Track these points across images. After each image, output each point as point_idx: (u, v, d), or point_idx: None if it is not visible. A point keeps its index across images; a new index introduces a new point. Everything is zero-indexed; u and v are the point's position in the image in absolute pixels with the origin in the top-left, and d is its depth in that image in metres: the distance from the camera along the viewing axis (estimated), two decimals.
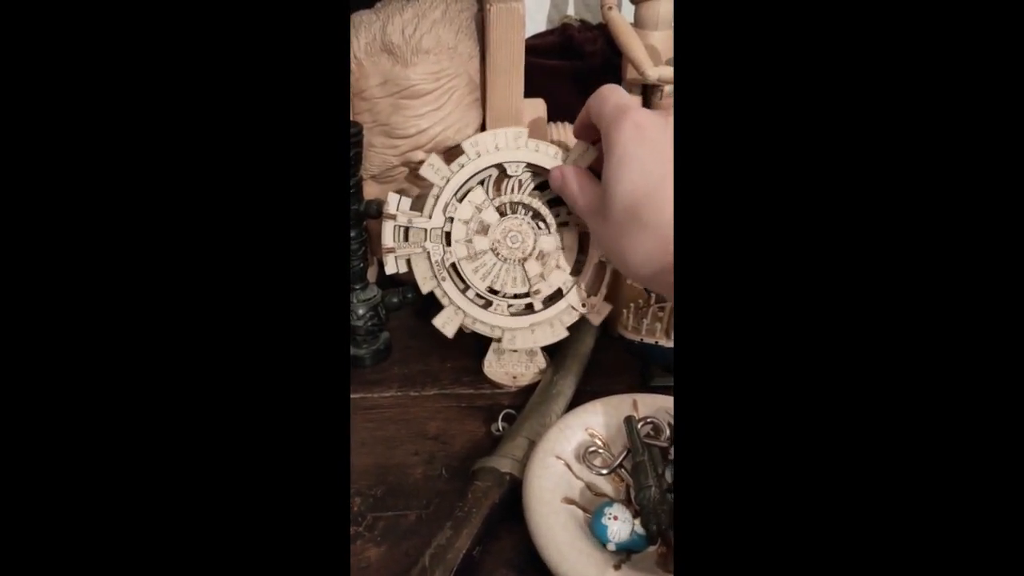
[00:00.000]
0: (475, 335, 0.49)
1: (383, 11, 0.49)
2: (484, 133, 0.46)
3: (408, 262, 0.48)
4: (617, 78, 0.53)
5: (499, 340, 0.49)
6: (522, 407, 0.47)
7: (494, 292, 0.48)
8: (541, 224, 0.48)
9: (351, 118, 0.50)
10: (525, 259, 0.48)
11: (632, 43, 0.48)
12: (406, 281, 0.54)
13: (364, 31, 0.48)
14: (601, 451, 0.42)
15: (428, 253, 0.48)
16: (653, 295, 0.51)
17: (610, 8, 0.50)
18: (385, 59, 0.48)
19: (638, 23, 0.50)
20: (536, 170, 0.47)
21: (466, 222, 0.47)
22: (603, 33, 0.57)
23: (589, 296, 0.48)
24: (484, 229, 0.47)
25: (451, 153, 0.49)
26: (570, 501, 0.39)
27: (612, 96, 0.41)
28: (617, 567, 0.35)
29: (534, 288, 0.48)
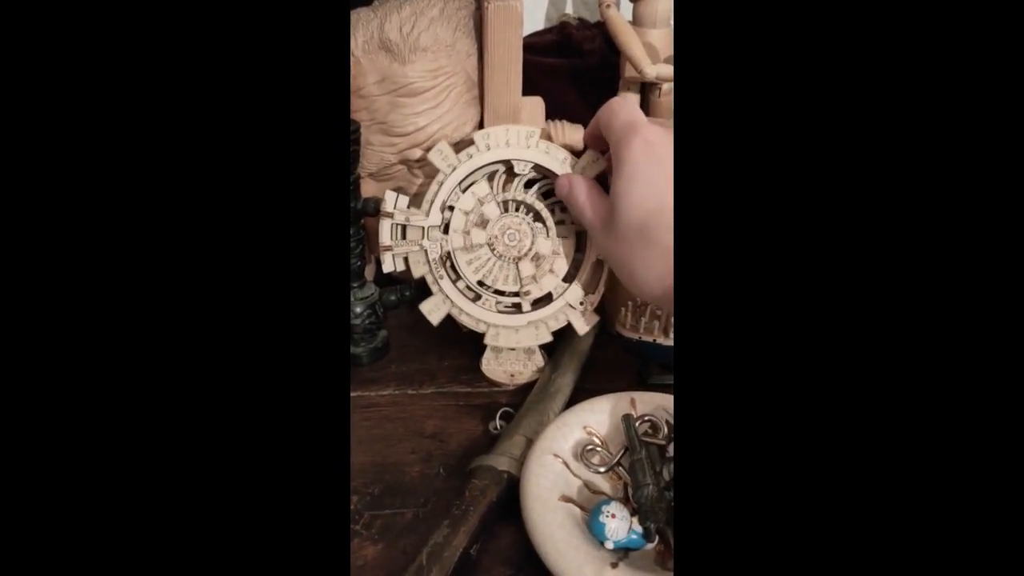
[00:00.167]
0: (472, 333, 0.49)
1: (381, 9, 0.49)
2: (497, 127, 0.46)
3: (406, 259, 0.48)
4: (615, 76, 0.53)
5: (482, 335, 0.49)
6: (520, 405, 0.47)
7: (484, 287, 0.48)
8: (540, 226, 0.48)
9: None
10: (520, 259, 0.48)
11: (630, 41, 0.48)
12: (404, 279, 0.54)
13: (362, 29, 0.48)
14: (599, 449, 0.42)
15: (425, 251, 0.48)
16: None
17: (608, 6, 0.50)
18: (383, 57, 0.48)
19: (636, 21, 0.50)
20: (543, 172, 0.47)
21: (467, 213, 0.47)
22: (601, 31, 0.57)
23: (587, 295, 0.48)
24: (483, 223, 0.47)
25: (460, 144, 0.49)
26: (568, 499, 0.39)
27: (622, 110, 0.40)
28: (615, 565, 0.35)
29: (525, 289, 0.48)
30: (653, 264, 0.38)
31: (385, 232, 0.48)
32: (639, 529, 0.37)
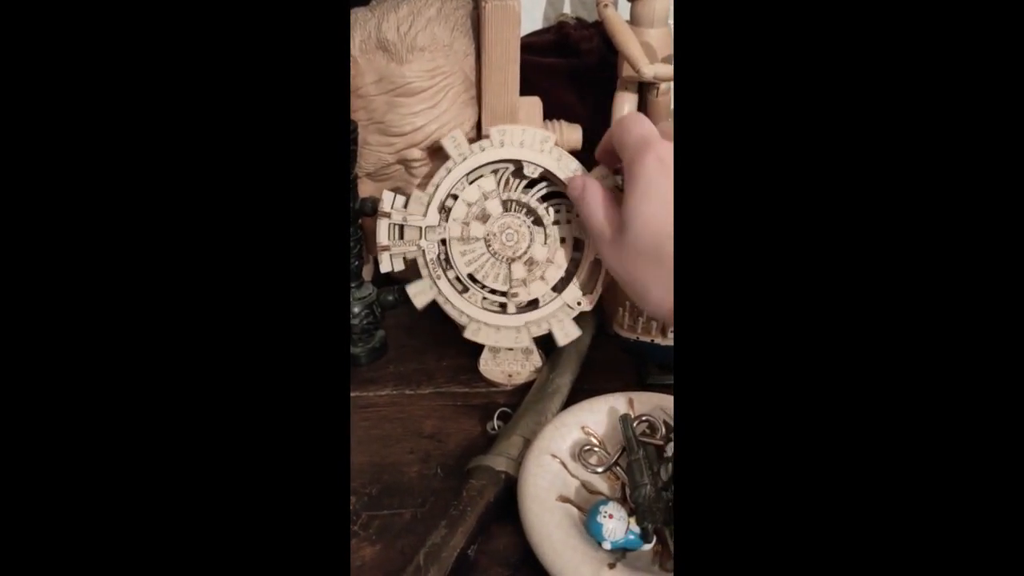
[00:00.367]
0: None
1: (378, 8, 0.49)
2: (515, 127, 0.46)
3: (404, 259, 0.48)
4: (613, 76, 0.53)
5: (463, 327, 0.49)
6: (518, 405, 0.47)
7: (474, 281, 0.48)
8: (540, 231, 0.47)
9: None
10: (514, 260, 0.48)
11: (628, 41, 0.48)
12: (402, 279, 0.54)
13: (359, 29, 0.48)
14: (597, 449, 0.42)
15: (423, 251, 0.48)
16: None
17: (606, 6, 0.50)
18: (380, 57, 0.48)
19: (634, 20, 0.50)
20: (550, 178, 0.47)
21: (469, 205, 0.47)
22: (599, 31, 0.57)
23: (585, 294, 0.48)
24: (484, 217, 0.47)
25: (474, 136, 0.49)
26: (565, 499, 0.39)
27: (636, 127, 0.40)
28: (612, 566, 0.35)
29: (513, 291, 0.48)
30: (664, 282, 0.37)
31: (383, 232, 0.48)
32: (637, 529, 0.37)
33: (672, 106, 0.54)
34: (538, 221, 0.48)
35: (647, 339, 0.49)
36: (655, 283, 0.38)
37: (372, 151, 0.51)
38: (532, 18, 0.64)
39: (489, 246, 0.48)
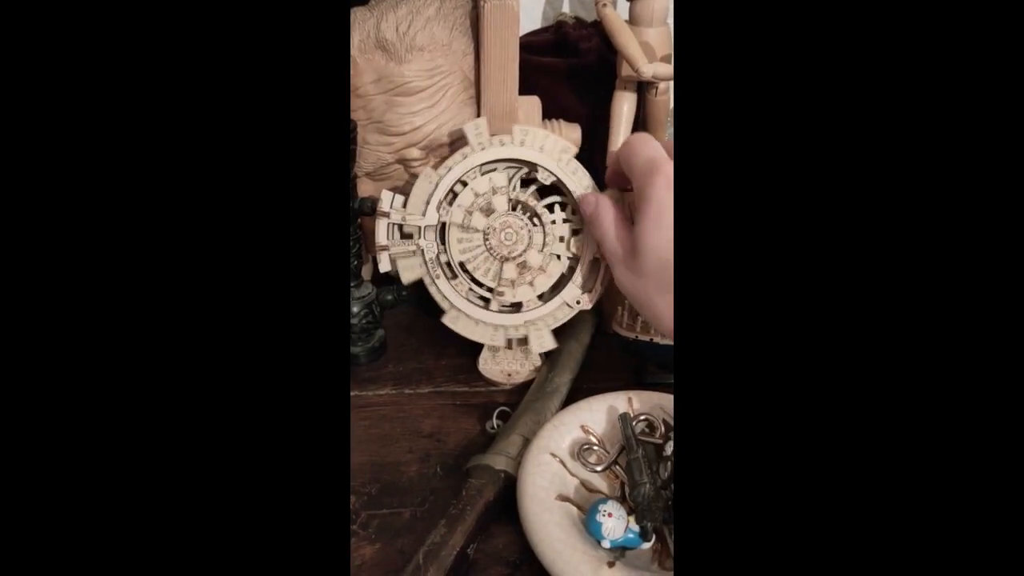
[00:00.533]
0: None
1: (377, 8, 0.49)
2: (537, 129, 0.47)
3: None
4: (612, 75, 0.53)
5: (443, 312, 0.49)
6: (517, 405, 0.47)
7: (464, 270, 0.48)
8: (539, 237, 0.47)
9: None
10: (507, 259, 0.48)
11: (627, 40, 0.48)
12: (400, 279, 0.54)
13: (358, 28, 0.48)
14: (596, 448, 0.42)
15: (422, 250, 0.48)
16: None
17: (604, 5, 0.50)
18: (379, 56, 0.48)
19: (633, 20, 0.50)
20: (559, 188, 0.47)
21: (477, 195, 0.47)
22: (598, 30, 0.57)
23: (584, 293, 0.48)
24: (488, 211, 0.47)
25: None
26: (565, 498, 0.39)
27: (642, 148, 0.40)
28: (611, 564, 0.35)
29: (499, 289, 0.48)
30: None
31: (381, 232, 0.48)
32: (636, 528, 0.37)
33: (671, 105, 0.54)
34: (539, 226, 0.48)
35: (646, 338, 0.49)
36: (667, 304, 0.38)
37: (371, 150, 0.51)
38: (531, 17, 0.64)
39: (486, 240, 0.47)
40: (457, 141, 0.50)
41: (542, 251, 0.48)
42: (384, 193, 0.48)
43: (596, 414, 0.44)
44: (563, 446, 0.42)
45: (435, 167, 0.47)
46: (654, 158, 0.39)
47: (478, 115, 0.51)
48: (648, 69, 0.48)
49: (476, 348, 0.50)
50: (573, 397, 0.46)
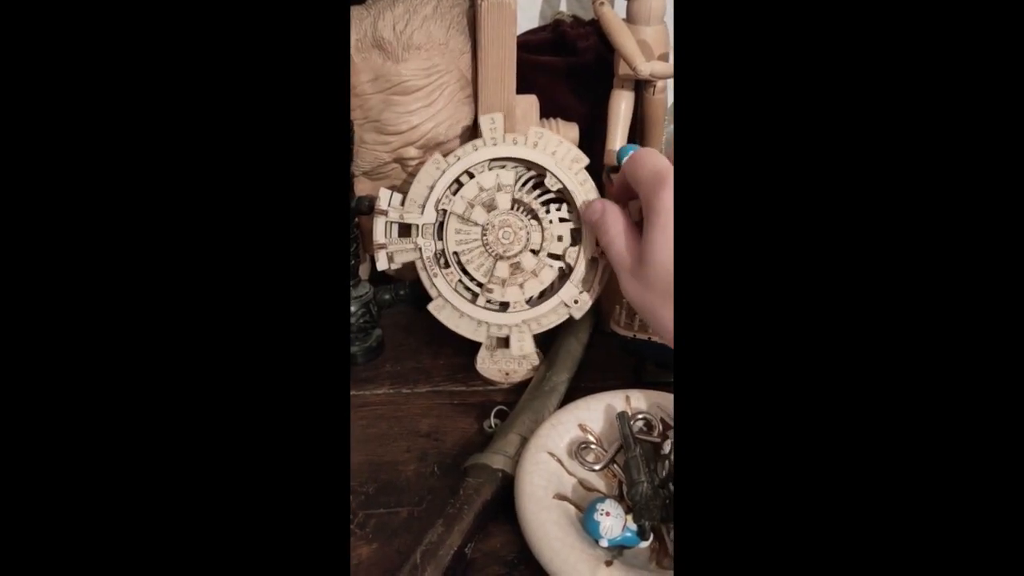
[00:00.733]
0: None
1: (374, 7, 0.49)
2: (552, 134, 0.47)
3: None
4: (610, 74, 0.53)
5: (430, 299, 0.49)
6: (515, 404, 0.47)
7: (457, 261, 0.48)
8: (538, 240, 0.47)
9: None
10: (502, 257, 0.47)
11: (624, 39, 0.48)
12: (398, 278, 0.54)
13: (355, 27, 0.48)
14: (594, 447, 0.42)
15: (420, 249, 0.48)
16: None
17: (602, 3, 0.50)
18: (376, 55, 0.48)
19: (630, 19, 0.50)
20: (568, 201, 0.47)
21: (481, 189, 0.47)
22: (595, 29, 0.57)
23: (581, 293, 0.48)
24: (490, 207, 0.47)
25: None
26: (562, 497, 0.39)
27: (647, 161, 0.40)
28: (609, 563, 0.35)
29: (489, 286, 0.48)
30: None
31: (379, 230, 0.48)
32: (633, 527, 0.37)
33: (669, 104, 0.54)
34: (539, 229, 0.47)
35: (644, 337, 0.48)
36: (671, 320, 0.38)
37: (368, 150, 0.51)
38: (528, 16, 0.64)
39: (484, 236, 0.47)
40: (434, 152, 0.50)
41: (537, 255, 0.47)
42: (382, 191, 0.47)
43: (594, 413, 0.44)
44: (561, 445, 0.42)
45: (444, 152, 0.48)
46: (660, 170, 0.39)
47: (475, 114, 0.51)
48: (645, 67, 0.48)
49: (474, 347, 0.50)
50: (571, 396, 0.46)
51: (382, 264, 0.48)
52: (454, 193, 0.47)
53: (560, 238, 0.48)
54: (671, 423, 0.43)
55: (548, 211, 0.47)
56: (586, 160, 0.47)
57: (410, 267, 0.49)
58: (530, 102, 0.51)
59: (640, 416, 0.43)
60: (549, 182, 0.47)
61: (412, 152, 0.51)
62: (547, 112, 0.52)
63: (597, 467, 0.41)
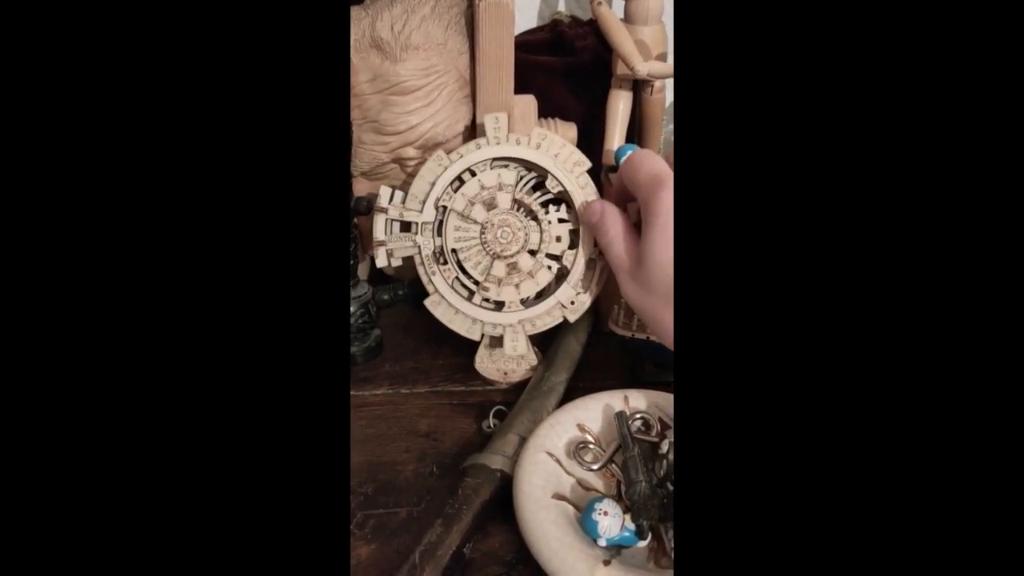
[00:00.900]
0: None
1: (372, 7, 0.49)
2: (556, 136, 0.47)
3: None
4: (607, 74, 0.53)
5: (426, 295, 0.49)
6: (513, 404, 0.47)
7: (455, 258, 0.48)
8: (536, 241, 0.47)
9: None
10: (499, 256, 0.48)
11: (622, 38, 0.48)
12: (397, 278, 0.54)
13: (353, 27, 0.48)
14: (592, 447, 0.42)
15: (419, 247, 0.48)
16: None
17: (600, 3, 0.50)
18: (374, 55, 0.48)
19: (628, 18, 0.50)
20: (568, 203, 0.47)
21: (483, 187, 0.47)
22: (593, 29, 0.57)
23: (578, 294, 0.48)
24: (490, 206, 0.47)
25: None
26: (560, 497, 0.39)
27: (644, 163, 0.40)
28: (607, 563, 0.35)
29: (485, 284, 0.48)
30: None
31: (379, 227, 0.48)
32: (631, 526, 0.37)
33: (667, 104, 0.54)
34: (538, 230, 0.47)
35: (642, 336, 0.49)
36: (671, 322, 0.38)
37: (367, 150, 0.51)
38: (526, 16, 0.64)
39: (483, 234, 0.47)
40: (432, 151, 0.49)
41: (535, 256, 0.48)
42: (383, 189, 0.48)
43: (592, 413, 0.44)
44: (559, 445, 0.42)
45: (447, 149, 0.48)
46: (658, 173, 0.39)
47: (474, 114, 0.51)
48: (644, 67, 0.48)
49: (472, 348, 0.50)
50: (569, 396, 0.46)
51: (381, 262, 0.48)
52: (455, 191, 0.47)
53: (559, 239, 0.48)
54: (669, 423, 0.43)
55: (547, 211, 0.47)
56: (588, 164, 0.47)
57: (409, 267, 0.49)
58: (528, 102, 0.51)
59: (638, 416, 0.43)
60: (550, 184, 0.47)
61: (411, 152, 0.51)
62: (545, 112, 0.52)
63: (595, 467, 0.41)
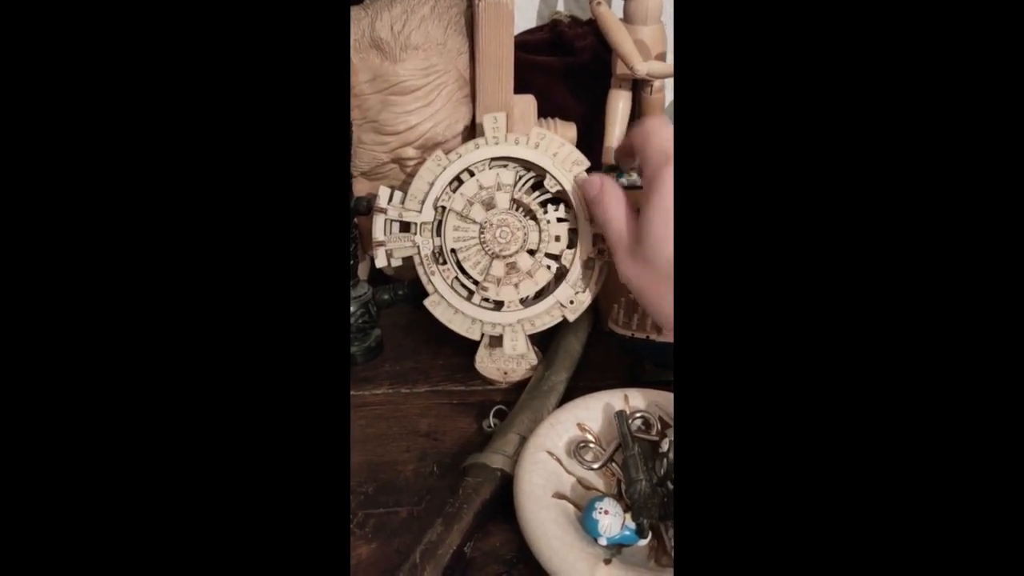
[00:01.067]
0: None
1: (372, 7, 0.49)
2: (554, 135, 0.47)
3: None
4: (607, 73, 0.53)
5: (426, 295, 0.49)
6: (513, 403, 0.47)
7: (454, 258, 0.48)
8: (535, 241, 0.47)
9: None
10: (498, 256, 0.48)
11: (621, 38, 0.49)
12: (397, 278, 0.54)
13: (353, 27, 0.48)
14: (592, 446, 0.42)
15: (418, 247, 0.48)
16: None
17: (599, 3, 0.50)
18: (374, 55, 0.48)
19: (627, 18, 0.50)
20: (566, 202, 0.47)
21: (481, 187, 0.47)
22: (593, 28, 0.57)
23: (577, 294, 0.48)
24: (489, 205, 0.47)
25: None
26: (561, 496, 0.39)
27: (656, 135, 0.40)
28: (608, 561, 0.35)
29: (484, 284, 0.48)
30: None
31: (379, 227, 0.48)
32: (632, 525, 0.37)
33: (666, 103, 0.54)
34: (537, 230, 0.48)
35: (642, 336, 0.49)
36: (668, 300, 0.38)
37: (366, 150, 0.51)
38: (526, 16, 0.65)
39: (482, 234, 0.47)
40: (432, 151, 0.50)
41: (534, 256, 0.48)
42: (382, 189, 0.48)
43: (592, 412, 0.44)
44: (559, 444, 0.42)
45: (446, 150, 0.48)
46: (667, 151, 0.39)
47: (474, 114, 0.51)
48: (643, 67, 0.48)
49: (472, 347, 0.50)
50: (570, 395, 0.46)
51: (381, 262, 0.48)
52: (454, 191, 0.47)
53: (558, 238, 0.48)
54: (669, 421, 0.43)
55: (546, 211, 0.47)
56: (587, 163, 0.47)
57: (409, 267, 0.49)
58: (528, 102, 0.51)
59: (638, 415, 0.43)
60: (548, 183, 0.47)
61: (410, 152, 0.51)
62: (545, 112, 0.52)
63: (596, 466, 0.41)
